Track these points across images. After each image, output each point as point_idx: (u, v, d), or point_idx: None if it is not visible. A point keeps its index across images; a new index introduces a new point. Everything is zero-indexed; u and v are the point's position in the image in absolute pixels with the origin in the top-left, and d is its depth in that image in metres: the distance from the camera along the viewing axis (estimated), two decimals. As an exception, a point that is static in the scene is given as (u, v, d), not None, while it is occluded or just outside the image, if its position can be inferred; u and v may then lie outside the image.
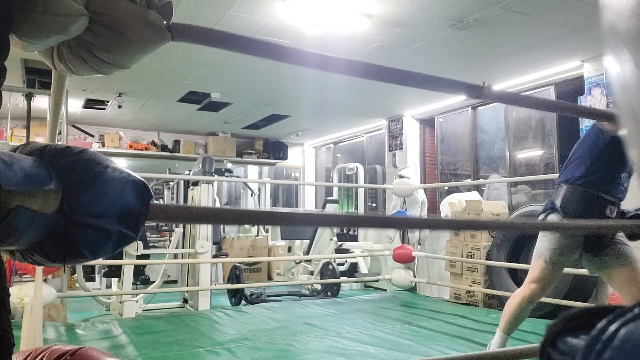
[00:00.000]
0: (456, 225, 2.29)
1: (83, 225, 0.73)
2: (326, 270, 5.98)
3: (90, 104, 6.53)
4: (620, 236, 2.40)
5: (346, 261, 6.69)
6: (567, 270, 4.12)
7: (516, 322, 2.57)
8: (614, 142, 2.36)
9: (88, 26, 0.80)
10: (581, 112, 2.23)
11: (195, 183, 5.63)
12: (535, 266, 2.51)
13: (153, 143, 8.18)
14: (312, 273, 6.33)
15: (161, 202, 8.46)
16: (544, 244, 2.49)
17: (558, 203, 2.47)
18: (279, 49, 1.09)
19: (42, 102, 5.44)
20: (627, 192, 2.49)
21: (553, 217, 2.47)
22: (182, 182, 7.70)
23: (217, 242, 5.80)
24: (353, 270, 6.82)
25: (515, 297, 2.55)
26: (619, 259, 2.35)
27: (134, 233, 0.79)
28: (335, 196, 8.59)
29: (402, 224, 1.87)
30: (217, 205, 6.96)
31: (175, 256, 5.50)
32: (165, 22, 0.88)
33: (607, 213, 2.38)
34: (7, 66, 0.77)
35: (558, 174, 5.19)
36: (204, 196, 5.20)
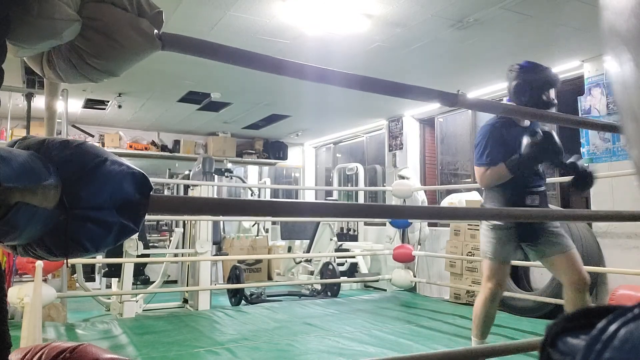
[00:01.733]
0: (454, 215, 2.31)
1: (83, 219, 0.73)
2: (326, 270, 5.98)
3: (90, 104, 6.53)
4: (554, 226, 2.60)
5: (346, 261, 6.69)
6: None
7: (486, 324, 2.68)
8: (506, 137, 2.62)
9: (80, 32, 0.81)
10: (556, 120, 2.25)
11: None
12: (484, 265, 2.68)
13: (153, 143, 8.18)
14: (312, 273, 6.33)
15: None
16: (483, 242, 2.70)
17: (487, 205, 2.74)
18: (267, 60, 1.09)
19: (42, 102, 5.42)
20: (545, 176, 2.76)
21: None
22: (181, 184, 7.70)
23: (217, 242, 5.80)
24: (353, 270, 6.82)
25: (478, 301, 2.69)
26: (556, 247, 2.56)
27: (135, 224, 0.79)
28: (335, 196, 8.59)
29: (406, 213, 1.88)
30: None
31: (176, 256, 5.50)
32: (156, 31, 0.89)
33: (527, 203, 2.61)
34: (7, 66, 0.77)
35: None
36: (204, 196, 5.20)
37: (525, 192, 2.63)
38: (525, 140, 2.49)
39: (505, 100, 5.52)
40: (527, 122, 2.75)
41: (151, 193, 0.83)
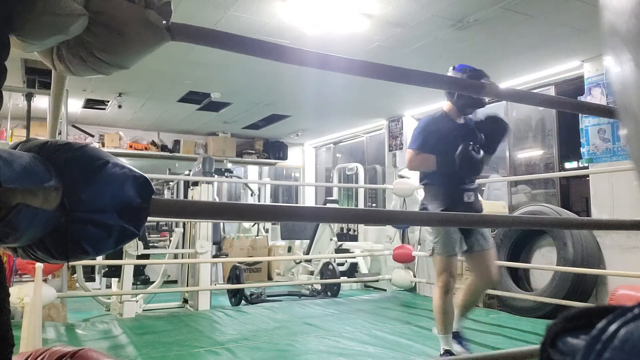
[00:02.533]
0: (454, 221, 2.32)
1: (84, 222, 0.73)
2: (326, 270, 5.97)
3: (90, 104, 6.53)
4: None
5: (346, 261, 6.69)
6: (567, 270, 4.13)
7: (447, 317, 2.86)
8: (441, 129, 2.88)
9: (88, 26, 0.80)
10: (582, 108, 2.27)
11: (196, 183, 5.64)
12: (434, 262, 2.91)
13: (153, 143, 8.18)
14: (312, 273, 6.33)
15: (161, 202, 8.43)
16: (430, 241, 2.90)
17: (427, 202, 2.96)
18: (277, 48, 1.09)
19: (42, 102, 5.44)
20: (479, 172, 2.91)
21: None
22: (182, 182, 7.70)
23: (217, 242, 5.80)
24: (353, 270, 6.81)
25: (434, 297, 2.90)
26: (481, 245, 2.86)
27: (135, 228, 0.79)
28: (335, 196, 8.59)
29: (405, 218, 1.87)
30: (217, 205, 6.95)
31: (176, 256, 5.50)
32: (164, 22, 0.88)
33: (465, 199, 2.86)
34: (7, 66, 0.77)
35: (557, 173, 5.18)
36: (204, 196, 5.21)
37: (462, 189, 2.87)
38: (461, 148, 2.72)
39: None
40: (462, 120, 2.98)
41: (152, 196, 0.83)
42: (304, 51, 1.11)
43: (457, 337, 3.02)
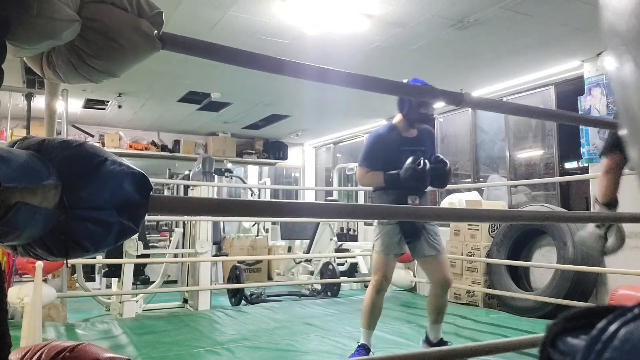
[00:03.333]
0: (454, 216, 2.32)
1: (83, 219, 0.73)
2: (326, 270, 5.97)
3: (90, 104, 6.54)
4: (434, 230, 2.96)
5: (346, 261, 6.69)
6: (567, 269, 4.13)
7: (373, 315, 2.92)
8: (388, 144, 2.96)
9: (80, 33, 0.81)
10: (559, 118, 2.27)
11: (195, 183, 5.63)
12: (374, 259, 2.99)
13: (153, 143, 8.18)
14: (312, 273, 6.33)
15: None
16: (374, 238, 2.99)
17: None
18: (267, 60, 1.09)
19: (42, 102, 5.43)
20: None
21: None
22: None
23: (217, 242, 5.80)
24: (353, 270, 6.81)
25: (366, 293, 2.98)
26: (432, 249, 2.92)
27: (135, 225, 0.79)
28: (335, 196, 8.59)
29: (406, 214, 1.87)
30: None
31: (176, 256, 5.50)
32: (156, 32, 0.88)
33: (409, 202, 2.93)
34: (7, 66, 0.77)
35: (558, 176, 5.18)
36: (204, 196, 5.20)
37: (407, 193, 2.93)
38: (407, 163, 2.78)
39: (505, 100, 5.54)
40: (412, 134, 3.05)
41: (151, 193, 0.83)
42: (290, 62, 1.11)
43: (429, 343, 3.07)
